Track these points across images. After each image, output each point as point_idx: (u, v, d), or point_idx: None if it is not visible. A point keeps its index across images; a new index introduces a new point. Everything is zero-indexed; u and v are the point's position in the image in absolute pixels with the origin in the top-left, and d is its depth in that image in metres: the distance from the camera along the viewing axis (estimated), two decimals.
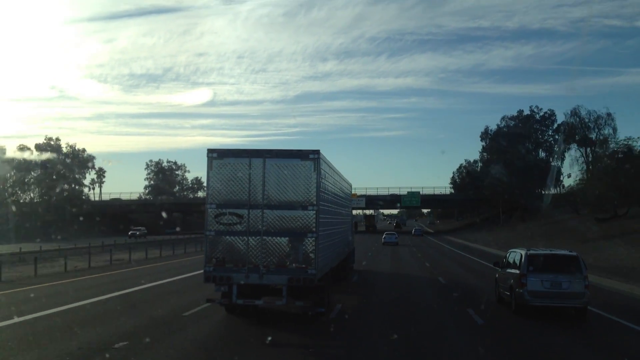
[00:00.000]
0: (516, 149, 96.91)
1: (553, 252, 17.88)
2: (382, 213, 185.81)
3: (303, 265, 14.73)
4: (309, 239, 14.77)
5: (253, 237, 14.88)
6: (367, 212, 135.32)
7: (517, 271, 16.86)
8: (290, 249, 14.81)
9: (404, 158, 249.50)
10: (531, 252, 17.26)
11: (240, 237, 14.92)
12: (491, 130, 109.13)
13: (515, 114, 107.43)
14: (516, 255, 17.82)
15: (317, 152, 14.98)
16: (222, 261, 14.92)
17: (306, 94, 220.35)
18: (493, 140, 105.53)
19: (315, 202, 14.80)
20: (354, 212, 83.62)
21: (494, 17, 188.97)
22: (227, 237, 14.96)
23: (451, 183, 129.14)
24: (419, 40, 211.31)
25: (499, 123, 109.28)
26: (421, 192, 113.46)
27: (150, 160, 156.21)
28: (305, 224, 14.80)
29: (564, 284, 16.20)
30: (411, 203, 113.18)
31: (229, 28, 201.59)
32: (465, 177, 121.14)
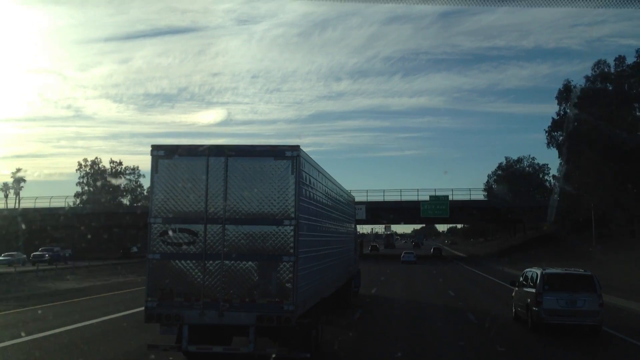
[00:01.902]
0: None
1: (568, 271, 18.59)
2: (395, 232, 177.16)
3: (277, 299, 11.18)
4: (285, 263, 11.24)
5: (211, 262, 11.42)
6: (378, 229, 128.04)
7: (534, 290, 17.52)
8: (260, 278, 11.32)
9: (418, 175, 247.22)
10: (547, 271, 18.07)
11: (194, 262, 11.46)
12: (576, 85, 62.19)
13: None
14: (532, 274, 18.50)
15: (297, 148, 11.48)
16: (170, 294, 11.41)
17: (320, 113, 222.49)
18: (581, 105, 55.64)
19: (293, 215, 11.28)
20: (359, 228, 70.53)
21: (509, 36, 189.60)
22: (177, 261, 11.49)
23: (485, 190, 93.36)
24: (434, 60, 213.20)
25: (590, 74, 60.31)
26: (451, 197, 75.93)
27: (85, 160, 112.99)
28: (280, 244, 11.29)
29: (579, 303, 16.89)
30: (435, 213, 74.43)
31: (243, 48, 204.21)
32: (511, 180, 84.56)
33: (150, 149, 11.87)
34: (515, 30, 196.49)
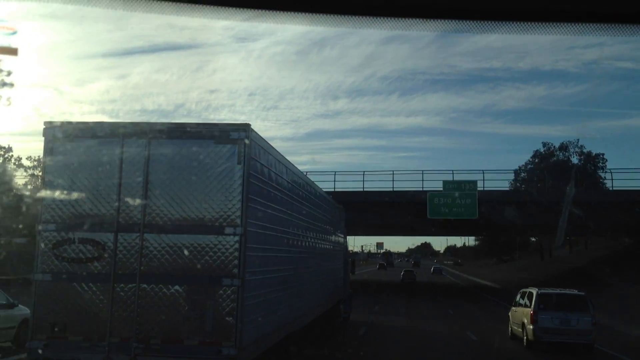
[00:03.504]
0: None
1: (563, 291, 19.57)
2: (388, 250, 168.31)
3: (213, 340, 7.91)
4: (226, 288, 8.07)
5: (122, 286, 8.25)
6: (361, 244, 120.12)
7: (530, 309, 18.23)
8: (191, 309, 8.07)
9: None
10: (542, 291, 18.97)
11: (99, 286, 8.32)
12: None
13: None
14: (528, 293, 19.35)
15: (246, 127, 8.30)
16: (63, 330, 8.09)
17: (317, 131, 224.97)
18: None
19: (239, 221, 8.08)
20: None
21: (506, 57, 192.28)
22: (74, 284, 8.33)
23: (517, 181, 59.47)
24: (431, 80, 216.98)
25: None
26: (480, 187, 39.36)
27: None
28: (219, 262, 8.13)
29: (573, 322, 17.57)
30: (453, 212, 38.23)
31: (241, 65, 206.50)
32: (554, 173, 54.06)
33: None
34: (511, 52, 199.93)
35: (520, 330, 19.12)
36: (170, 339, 8.19)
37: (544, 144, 64.69)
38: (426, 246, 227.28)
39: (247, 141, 8.46)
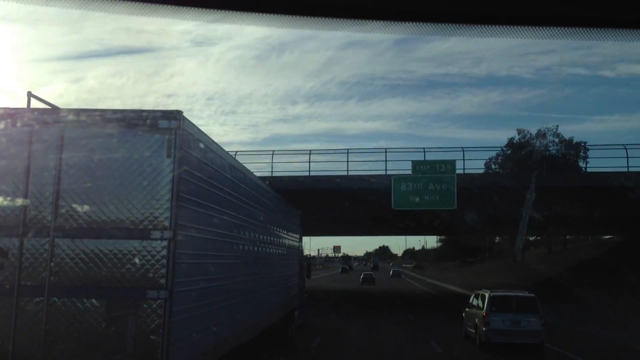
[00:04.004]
0: None
1: (513, 293, 20.32)
2: (346, 254, 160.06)
3: None
4: (151, 302, 6.84)
5: (28, 299, 6.92)
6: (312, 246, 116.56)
7: (482, 311, 18.76)
8: (110, 326, 6.83)
9: None
10: (494, 293, 19.46)
11: (0, 300, 6.90)
12: None
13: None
14: (481, 296, 19.94)
15: (177, 114, 7.10)
16: None
17: (275, 136, 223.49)
18: None
19: (167, 224, 6.90)
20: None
21: (462, 63, 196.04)
22: None
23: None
24: (389, 85, 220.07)
25: None
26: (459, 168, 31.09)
27: None
28: (144, 271, 6.86)
29: (523, 323, 18.15)
30: (425, 202, 29.58)
31: (199, 70, 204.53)
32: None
33: None
34: (467, 58, 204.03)
35: (473, 331, 19.84)
36: None
37: (519, 132, 54.75)
38: (384, 250, 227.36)
39: (178, 131, 7.32)
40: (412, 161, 30.34)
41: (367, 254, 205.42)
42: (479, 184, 30.84)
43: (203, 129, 8.34)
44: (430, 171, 29.77)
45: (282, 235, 16.07)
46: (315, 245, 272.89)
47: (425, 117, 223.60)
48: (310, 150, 33.82)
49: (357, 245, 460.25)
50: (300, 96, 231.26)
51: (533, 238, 79.47)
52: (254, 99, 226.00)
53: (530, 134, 55.07)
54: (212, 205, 8.62)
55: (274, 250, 14.64)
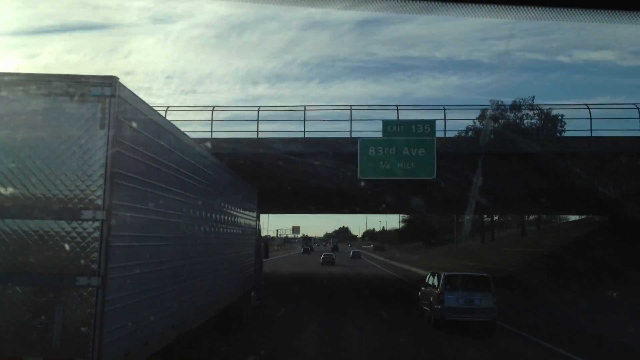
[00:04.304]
0: None
1: (467, 273, 22.35)
2: (306, 235, 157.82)
3: (60, 356, 6.02)
4: (81, 290, 6.12)
5: None
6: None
7: (437, 289, 19.40)
8: (34, 316, 6.09)
9: None
10: (448, 273, 20.58)
11: None
12: None
13: None
14: (435, 275, 20.76)
15: (112, 80, 6.34)
16: None
17: (236, 116, 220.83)
18: None
19: (100, 203, 6.16)
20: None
21: (423, 47, 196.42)
22: None
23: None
24: (351, 67, 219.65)
25: None
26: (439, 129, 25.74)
27: None
28: (73, 255, 6.13)
29: (476, 301, 18.74)
30: (394, 171, 24.68)
31: (158, 47, 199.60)
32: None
33: None
34: (428, 42, 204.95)
35: (428, 309, 20.38)
36: (4, 356, 6.24)
37: (492, 103, 47.55)
38: (344, 231, 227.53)
39: (113, 99, 6.56)
40: (383, 121, 25.30)
41: (327, 235, 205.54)
42: (463, 150, 26.47)
43: (162, 108, 7.63)
44: (405, 133, 25.03)
45: (235, 213, 15.38)
46: (273, 225, 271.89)
47: (386, 100, 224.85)
48: (259, 107, 27.21)
49: (316, 226, 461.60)
50: (262, 76, 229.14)
51: (497, 219, 77.49)
52: (215, 78, 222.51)
53: (505, 105, 47.65)
54: (153, 182, 7.89)
55: (226, 230, 13.97)
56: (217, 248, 12.97)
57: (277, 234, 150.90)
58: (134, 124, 7.09)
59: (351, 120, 26.31)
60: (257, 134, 26.02)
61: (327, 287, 35.16)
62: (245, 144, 25.09)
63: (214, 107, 26.66)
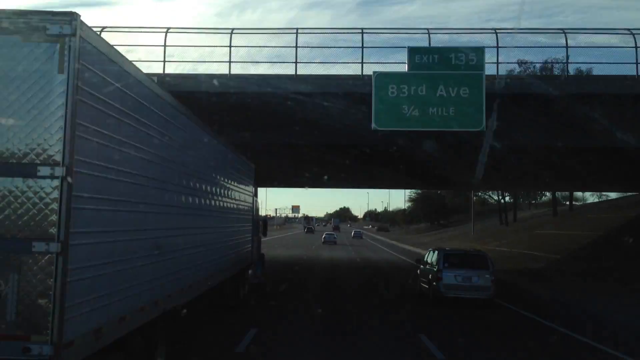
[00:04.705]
0: None
1: (465, 251, 22.35)
2: (306, 215, 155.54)
3: (15, 333, 5.18)
4: (39, 257, 5.27)
5: None
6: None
7: (435, 267, 19.73)
8: None
9: None
10: (447, 251, 20.89)
11: None
12: None
13: None
14: (434, 253, 20.90)
15: (72, 16, 5.44)
16: None
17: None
18: None
19: (59, 158, 5.34)
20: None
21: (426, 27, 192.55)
22: None
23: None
24: (352, 49, 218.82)
25: None
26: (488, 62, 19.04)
27: None
28: (29, 218, 5.32)
29: (474, 279, 19.18)
30: (424, 120, 18.23)
31: (159, 25, 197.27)
32: None
33: None
34: (431, 23, 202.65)
35: (427, 286, 20.71)
36: None
37: (521, 63, 38.58)
38: (345, 211, 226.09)
39: (73, 38, 5.70)
40: (410, 48, 18.73)
41: (328, 215, 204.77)
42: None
43: None
44: (442, 65, 18.42)
45: (231, 187, 14.56)
46: (272, 204, 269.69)
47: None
48: (233, 30, 20.07)
49: (316, 206, 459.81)
50: (262, 56, 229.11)
51: (508, 197, 71.19)
52: (215, 57, 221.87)
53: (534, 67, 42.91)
54: (125, 140, 7.03)
55: (220, 203, 13.15)
56: (209, 221, 12.15)
57: (276, 213, 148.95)
58: (98, 68, 6.22)
59: (363, 47, 19.67)
60: (229, 70, 19.74)
61: (328, 292, 23.36)
62: (253, 82, 19.43)
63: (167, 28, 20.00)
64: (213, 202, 12.38)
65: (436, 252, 20.90)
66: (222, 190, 13.36)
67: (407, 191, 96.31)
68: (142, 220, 7.75)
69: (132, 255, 7.40)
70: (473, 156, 21.83)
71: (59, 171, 5.62)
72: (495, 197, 72.53)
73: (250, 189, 19.11)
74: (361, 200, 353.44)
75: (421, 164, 27.33)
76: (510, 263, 35.35)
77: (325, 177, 34.10)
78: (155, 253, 8.25)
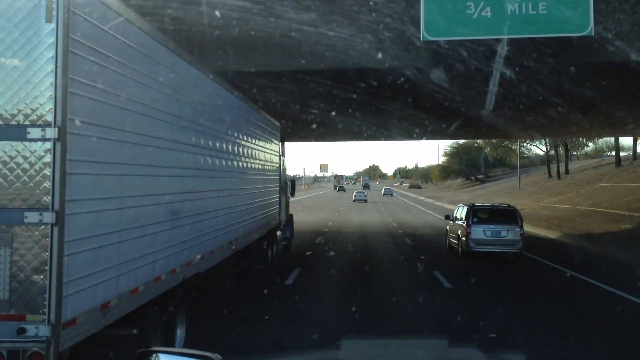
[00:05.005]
0: None
1: (494, 205, 22.16)
2: (336, 174, 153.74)
3: (9, 312, 4.68)
4: (32, 229, 4.67)
5: None
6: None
7: (464, 222, 20.14)
8: None
9: None
10: (476, 206, 21.08)
11: None
12: None
13: None
14: (463, 209, 21.16)
15: None
16: None
17: None
18: None
19: (50, 118, 4.82)
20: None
21: None
22: None
23: None
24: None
25: None
26: None
27: None
28: (19, 185, 4.73)
29: (502, 233, 19.60)
30: (495, 25, 12.45)
31: None
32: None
33: None
34: None
35: (456, 242, 21.16)
36: None
37: None
38: (374, 169, 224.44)
39: None
40: None
41: (357, 174, 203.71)
42: None
43: None
44: None
45: (252, 146, 13.92)
46: (299, 164, 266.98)
47: None
48: None
49: (345, 164, 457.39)
50: None
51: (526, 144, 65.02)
52: None
53: None
54: (126, 95, 6.38)
55: (242, 164, 12.56)
56: (230, 183, 11.58)
57: (304, 172, 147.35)
58: (93, 17, 5.55)
59: None
60: None
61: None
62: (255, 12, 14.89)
63: None
64: (235, 163, 11.79)
65: (465, 207, 21.24)
66: (244, 150, 12.74)
67: (442, 144, 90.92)
68: (153, 184, 7.17)
69: (143, 223, 6.85)
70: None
71: (51, 132, 5.03)
72: (541, 148, 66.30)
73: (276, 148, 18.49)
74: (390, 159, 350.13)
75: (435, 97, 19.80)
76: (585, 224, 29.77)
77: (333, 112, 24.26)
78: (171, 220, 7.71)
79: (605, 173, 50.12)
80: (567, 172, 58.74)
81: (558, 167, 59.31)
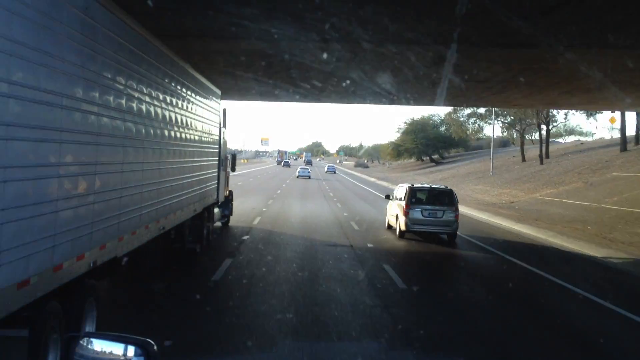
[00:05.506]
0: None
1: (432, 187, 22.73)
2: (280, 150, 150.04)
3: None
4: None
5: None
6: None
7: (403, 202, 20.72)
8: None
9: None
10: (414, 186, 21.92)
11: None
12: None
13: None
14: (402, 189, 22.01)
15: None
16: None
17: None
18: None
19: None
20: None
21: None
22: None
23: None
24: None
25: None
26: None
27: None
28: None
29: (439, 214, 20.29)
30: None
31: None
32: None
33: None
34: None
35: (394, 221, 21.84)
36: None
37: None
38: (317, 145, 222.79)
39: None
40: None
41: (300, 150, 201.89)
42: None
43: None
44: None
45: (187, 114, 12.64)
46: (239, 138, 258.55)
47: None
48: None
49: (287, 140, 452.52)
50: None
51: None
52: None
53: None
54: (37, 48, 5.07)
55: (174, 134, 11.34)
56: (159, 154, 10.28)
57: (244, 146, 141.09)
58: None
59: None
60: None
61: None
62: None
63: None
64: (165, 132, 10.59)
65: (404, 187, 21.92)
66: (177, 118, 11.53)
67: (398, 121, 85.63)
68: (53, 152, 5.89)
69: (37, 200, 5.56)
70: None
71: None
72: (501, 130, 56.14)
73: (216, 118, 17.18)
74: (334, 137, 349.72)
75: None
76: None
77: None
78: (78, 196, 6.40)
79: (609, 159, 41.27)
80: (547, 155, 51.26)
81: (541, 149, 51.34)
